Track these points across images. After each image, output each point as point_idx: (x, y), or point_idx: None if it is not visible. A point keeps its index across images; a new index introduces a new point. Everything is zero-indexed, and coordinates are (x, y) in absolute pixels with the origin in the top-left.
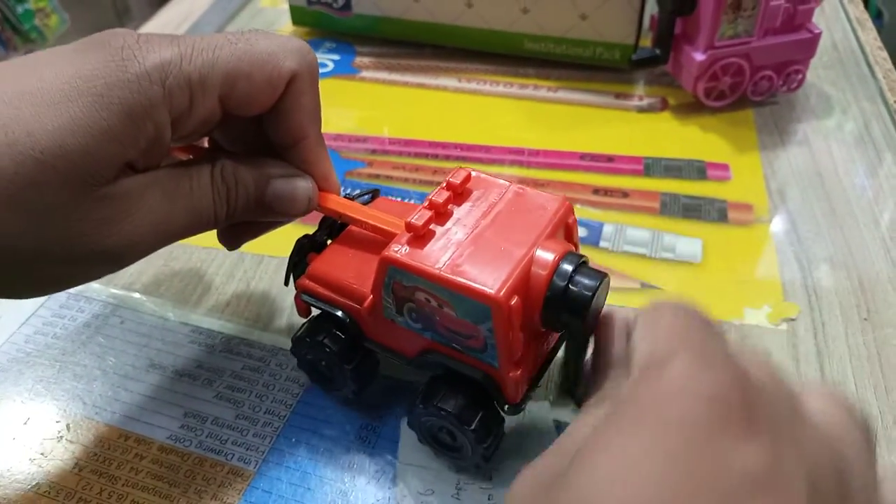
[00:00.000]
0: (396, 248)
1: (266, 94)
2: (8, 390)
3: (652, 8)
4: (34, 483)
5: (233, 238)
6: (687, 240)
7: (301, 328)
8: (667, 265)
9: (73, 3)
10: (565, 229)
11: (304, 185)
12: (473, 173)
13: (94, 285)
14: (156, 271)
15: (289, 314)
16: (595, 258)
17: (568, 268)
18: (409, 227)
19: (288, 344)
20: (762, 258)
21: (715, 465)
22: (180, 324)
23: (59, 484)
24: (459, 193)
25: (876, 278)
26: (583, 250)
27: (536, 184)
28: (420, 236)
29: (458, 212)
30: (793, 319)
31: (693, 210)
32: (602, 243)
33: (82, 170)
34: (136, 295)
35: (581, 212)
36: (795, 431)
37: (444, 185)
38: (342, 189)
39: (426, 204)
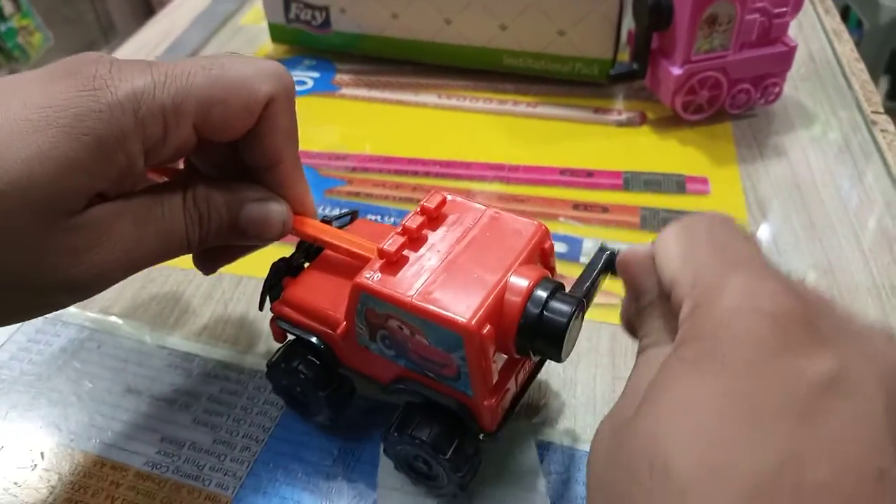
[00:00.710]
0: (368, 275)
1: (242, 120)
2: None
3: (629, 23)
4: None
5: (208, 263)
6: None
7: (276, 353)
8: None
9: (57, 21)
10: (541, 254)
11: (277, 209)
12: (449, 197)
13: (71, 309)
14: (133, 294)
15: (267, 336)
16: (575, 274)
17: (542, 294)
18: (382, 253)
19: (265, 366)
20: None
21: (781, 382)
22: (157, 347)
23: None
24: (434, 218)
25: (856, 290)
26: (563, 266)
27: (516, 199)
28: (393, 262)
29: (433, 237)
30: None
31: None
32: (582, 259)
33: (50, 201)
34: (113, 318)
35: (561, 227)
36: (861, 339)
37: (419, 209)
38: (322, 208)
39: (399, 230)
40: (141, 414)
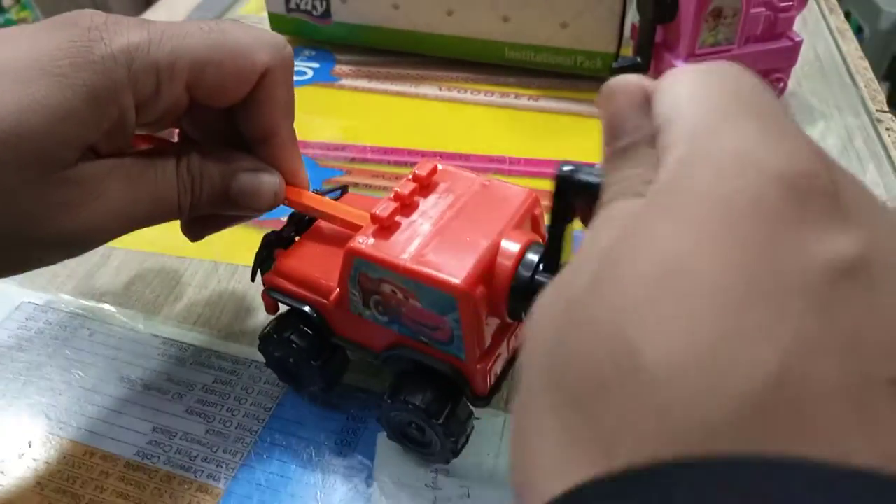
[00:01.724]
0: (361, 240)
1: (237, 86)
2: None
3: (634, 16)
4: None
5: (196, 230)
6: None
7: (268, 325)
8: None
9: (56, 13)
10: (532, 221)
11: (269, 180)
12: (440, 166)
13: (64, 296)
14: (127, 281)
15: (262, 325)
16: None
17: (533, 258)
18: (375, 218)
19: (260, 356)
20: None
21: (792, 260)
22: (151, 335)
23: (20, 503)
24: (426, 185)
25: None
26: None
27: None
28: (385, 228)
29: (425, 204)
30: None
31: None
32: None
33: (43, 151)
34: (106, 306)
35: None
36: (891, 223)
37: (411, 176)
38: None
39: (391, 196)
40: (133, 403)
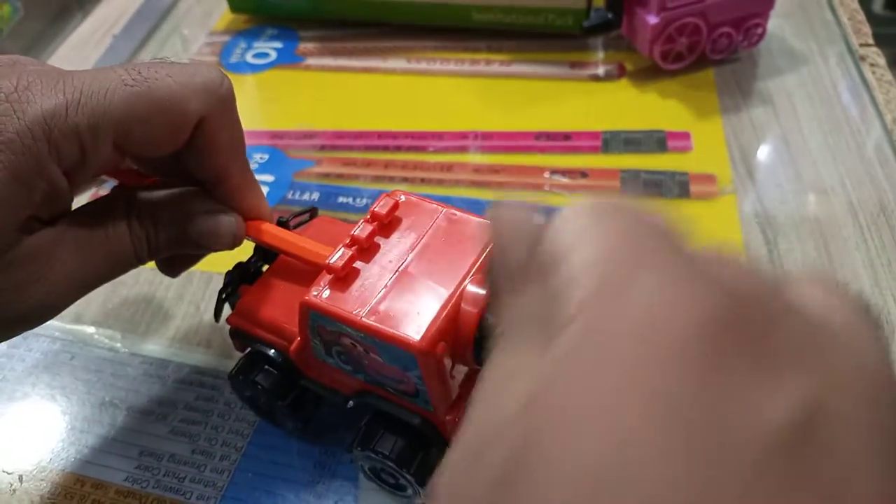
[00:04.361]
0: (316, 292)
1: (169, 138)
2: None
3: None
4: None
5: (170, 268)
6: None
7: (237, 364)
8: None
9: None
10: None
11: (227, 221)
12: (402, 198)
13: None
14: (104, 299)
15: None
16: None
17: None
18: (329, 269)
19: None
20: (726, 232)
21: (733, 430)
22: (130, 355)
23: None
24: (387, 224)
25: (844, 247)
26: None
27: (492, 170)
28: (341, 278)
29: (385, 245)
30: None
31: (654, 186)
32: None
33: None
34: (85, 327)
35: (539, 197)
36: (835, 350)
37: (369, 215)
38: (291, 193)
39: (348, 241)
40: (118, 427)
